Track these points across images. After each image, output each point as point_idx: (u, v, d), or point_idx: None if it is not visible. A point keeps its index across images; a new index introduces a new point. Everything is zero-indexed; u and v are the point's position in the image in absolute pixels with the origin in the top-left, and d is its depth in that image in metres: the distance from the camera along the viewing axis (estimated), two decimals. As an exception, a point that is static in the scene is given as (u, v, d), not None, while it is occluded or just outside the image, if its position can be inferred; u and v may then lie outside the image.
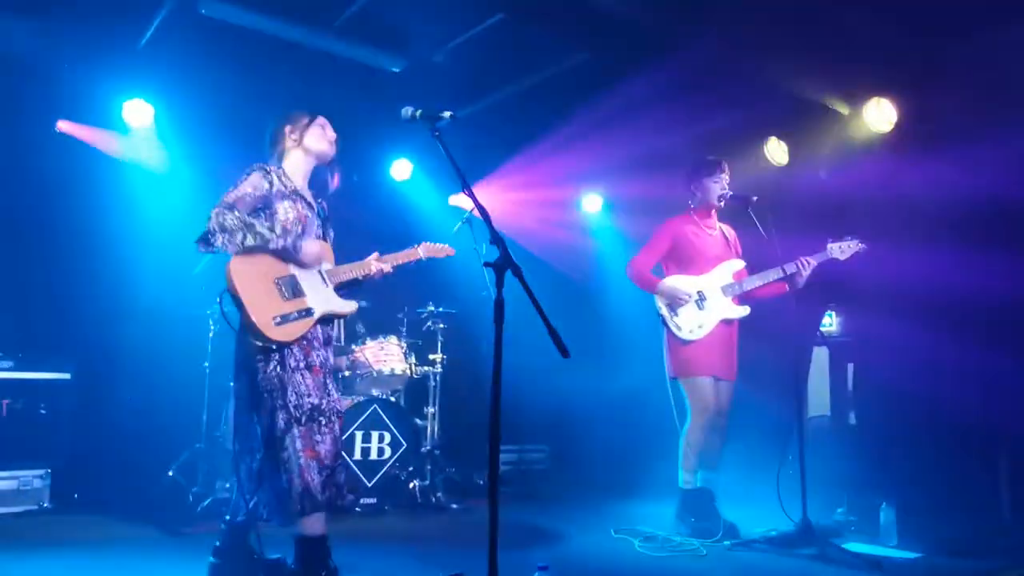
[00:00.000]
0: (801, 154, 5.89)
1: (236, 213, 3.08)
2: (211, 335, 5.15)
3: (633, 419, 6.34)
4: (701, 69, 5.12)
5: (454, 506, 5.28)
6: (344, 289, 3.39)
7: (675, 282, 4.58)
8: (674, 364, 4.55)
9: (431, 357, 5.79)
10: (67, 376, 4.99)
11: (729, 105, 5.82)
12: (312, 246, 3.23)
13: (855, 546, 4.08)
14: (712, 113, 5.95)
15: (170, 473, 4.95)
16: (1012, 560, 3.84)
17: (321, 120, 3.47)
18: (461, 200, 6.96)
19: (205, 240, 3.09)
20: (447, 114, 2.94)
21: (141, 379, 5.36)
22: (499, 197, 7.26)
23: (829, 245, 4.50)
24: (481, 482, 5.89)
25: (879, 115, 5.32)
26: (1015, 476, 4.43)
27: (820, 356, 5.55)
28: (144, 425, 5.23)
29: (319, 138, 3.40)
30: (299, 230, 3.24)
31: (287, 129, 3.40)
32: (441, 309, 5.85)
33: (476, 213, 2.96)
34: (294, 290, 3.15)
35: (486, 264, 2.54)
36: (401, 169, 6.82)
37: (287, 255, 3.16)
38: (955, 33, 4.69)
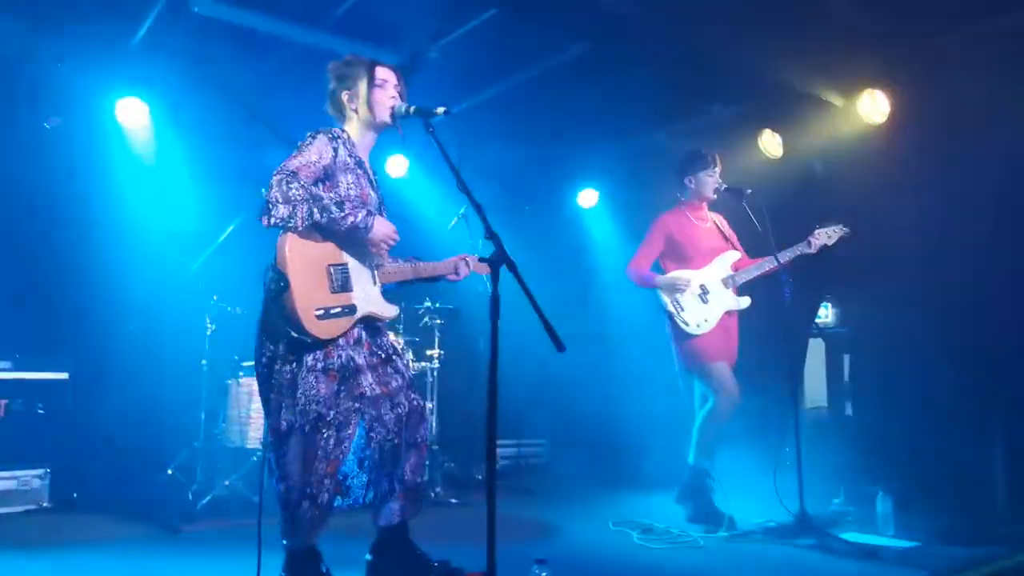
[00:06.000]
0: (795, 146, 5.90)
1: (301, 182, 2.77)
2: (208, 333, 5.15)
3: (631, 412, 6.36)
4: (695, 61, 5.12)
5: (453, 500, 5.30)
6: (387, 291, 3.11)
7: (675, 274, 4.60)
8: (689, 356, 4.56)
9: (428, 353, 5.79)
10: (65, 376, 5.00)
11: (723, 97, 5.83)
12: (384, 225, 2.95)
13: (852, 536, 4.10)
14: (706, 105, 5.96)
15: (169, 471, 4.96)
16: (1008, 548, 3.86)
17: (381, 76, 3.08)
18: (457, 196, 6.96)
19: (266, 212, 2.75)
20: (441, 110, 2.93)
21: (139, 377, 5.36)
22: (494, 192, 7.27)
23: (817, 231, 4.53)
24: (480, 476, 5.91)
25: (873, 107, 5.33)
26: (1011, 465, 4.46)
27: (817, 348, 5.57)
28: (142, 423, 5.23)
29: (379, 104, 3.05)
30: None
31: (344, 96, 3.08)
32: (438, 305, 5.85)
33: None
34: (344, 282, 2.90)
35: (481, 260, 2.54)
36: (397, 166, 6.81)
37: (354, 235, 2.88)
38: (949, 23, 4.70)
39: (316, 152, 2.90)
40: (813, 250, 4.50)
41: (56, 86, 5.19)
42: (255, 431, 4.95)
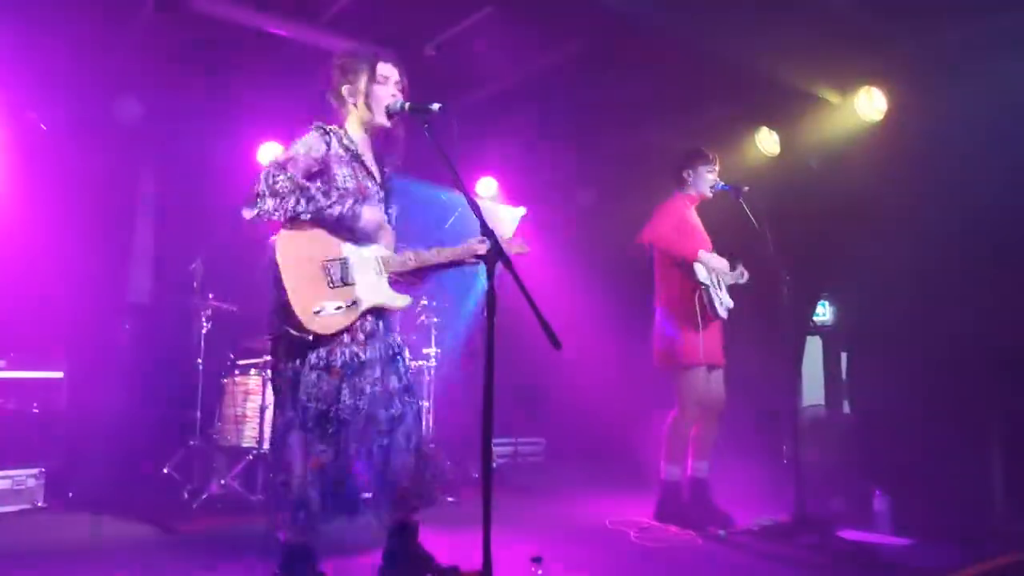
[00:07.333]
0: (792, 144, 5.89)
1: (287, 174, 2.80)
2: (204, 331, 5.13)
3: (628, 410, 6.34)
4: (692, 59, 5.12)
5: (449, 499, 5.28)
6: (401, 281, 3.06)
7: (713, 255, 4.49)
8: (687, 352, 4.39)
9: (425, 351, 5.78)
10: (60, 375, 4.97)
11: (721, 95, 5.82)
12: (373, 213, 2.95)
13: (849, 534, 4.10)
14: (704, 103, 5.95)
15: (165, 470, 4.94)
16: (1004, 546, 3.86)
17: (383, 73, 3.06)
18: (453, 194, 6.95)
19: (251, 204, 2.76)
20: (436, 106, 2.90)
21: (134, 376, 5.34)
22: (492, 191, 7.27)
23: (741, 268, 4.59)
24: (476, 475, 5.89)
25: (870, 104, 5.33)
26: (1008, 463, 4.46)
27: (814, 346, 5.56)
28: (138, 423, 5.21)
29: (377, 102, 3.03)
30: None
31: (345, 90, 3.07)
32: (434, 303, 5.84)
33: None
34: (343, 276, 2.88)
35: (477, 257, 2.54)
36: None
37: (342, 224, 2.88)
38: (946, 21, 4.70)
39: (305, 145, 2.93)
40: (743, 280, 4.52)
41: (52, 83, 5.17)
42: (250, 430, 4.93)
